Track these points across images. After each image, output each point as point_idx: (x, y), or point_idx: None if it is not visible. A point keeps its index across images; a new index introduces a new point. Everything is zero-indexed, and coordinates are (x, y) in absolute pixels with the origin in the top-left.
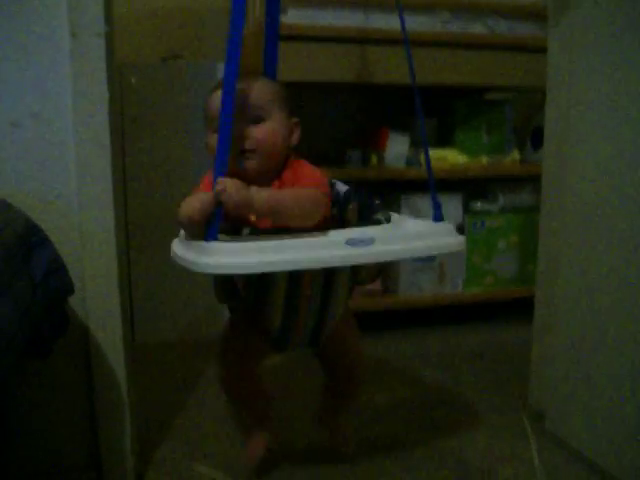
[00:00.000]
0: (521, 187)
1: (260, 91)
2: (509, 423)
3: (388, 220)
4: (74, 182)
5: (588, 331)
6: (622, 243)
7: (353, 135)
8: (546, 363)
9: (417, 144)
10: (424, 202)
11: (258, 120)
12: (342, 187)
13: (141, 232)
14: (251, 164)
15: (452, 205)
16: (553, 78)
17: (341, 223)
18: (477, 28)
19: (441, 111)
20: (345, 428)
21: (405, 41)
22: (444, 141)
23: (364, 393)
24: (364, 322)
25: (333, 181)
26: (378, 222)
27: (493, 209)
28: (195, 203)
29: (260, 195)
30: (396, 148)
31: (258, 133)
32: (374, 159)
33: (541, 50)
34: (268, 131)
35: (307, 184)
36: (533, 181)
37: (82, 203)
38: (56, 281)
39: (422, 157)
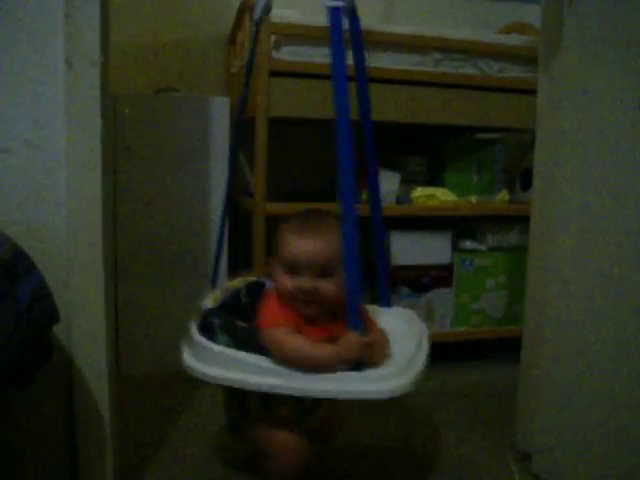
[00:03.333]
0: (510, 227)
1: (329, 246)
2: (495, 463)
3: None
4: (64, 210)
5: (575, 373)
6: (610, 285)
7: None
8: (533, 403)
9: (407, 182)
10: (413, 239)
11: (325, 274)
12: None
13: (130, 262)
14: (313, 312)
15: (441, 243)
16: (542, 120)
17: None
18: (468, 69)
19: (432, 150)
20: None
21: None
22: (434, 179)
23: (348, 432)
24: None
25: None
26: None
27: (482, 248)
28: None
29: None
30: (386, 185)
31: (327, 289)
32: (364, 196)
33: (531, 92)
34: (336, 288)
35: None
36: (522, 221)
37: (71, 231)
38: (42, 309)
39: (413, 194)
